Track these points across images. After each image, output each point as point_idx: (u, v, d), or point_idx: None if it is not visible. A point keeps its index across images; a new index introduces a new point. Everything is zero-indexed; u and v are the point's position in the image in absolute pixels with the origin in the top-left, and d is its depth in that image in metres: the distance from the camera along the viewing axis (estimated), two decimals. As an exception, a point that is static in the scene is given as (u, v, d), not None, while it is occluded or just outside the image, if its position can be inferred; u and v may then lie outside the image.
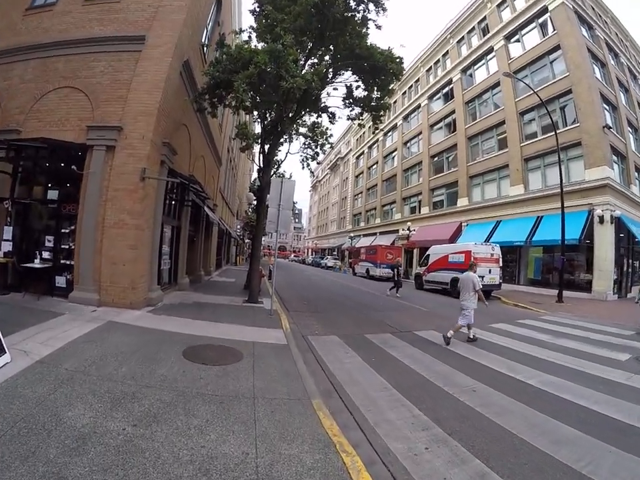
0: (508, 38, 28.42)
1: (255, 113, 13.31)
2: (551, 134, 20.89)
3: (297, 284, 22.16)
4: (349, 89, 13.20)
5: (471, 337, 8.99)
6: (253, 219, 15.87)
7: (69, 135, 9.27)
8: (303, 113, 14.15)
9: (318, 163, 25.72)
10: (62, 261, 9.59)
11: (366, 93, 13.29)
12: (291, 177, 17.61)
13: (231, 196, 34.69)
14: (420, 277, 24.09)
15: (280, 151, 22.83)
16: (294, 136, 22.52)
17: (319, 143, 22.56)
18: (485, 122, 29.94)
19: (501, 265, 19.94)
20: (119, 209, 8.97)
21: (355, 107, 13.95)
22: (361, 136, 60.24)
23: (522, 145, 25.88)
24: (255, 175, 24.93)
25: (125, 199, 8.98)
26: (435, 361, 7.17)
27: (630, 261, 23.76)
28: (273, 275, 10.69)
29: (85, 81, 9.64)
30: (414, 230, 34.07)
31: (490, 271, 19.04)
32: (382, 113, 13.79)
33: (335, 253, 62.03)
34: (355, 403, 4.85)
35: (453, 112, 34.23)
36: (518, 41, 27.77)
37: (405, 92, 44.87)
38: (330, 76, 12.50)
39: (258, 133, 23.45)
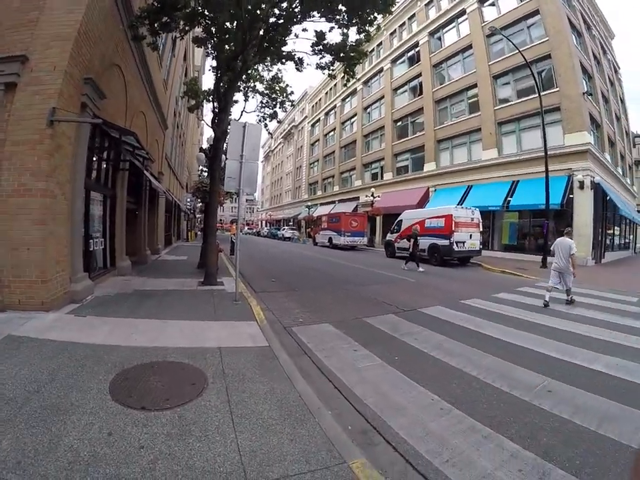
0: (481, 1, 27.12)
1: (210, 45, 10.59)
2: (526, 98, 22.04)
3: (257, 257, 19.67)
4: (319, 34, 10.79)
5: (569, 299, 9.12)
6: (205, 183, 13.27)
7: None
8: (266, 56, 11.63)
9: (278, 122, 23.21)
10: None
11: (341, 38, 10.96)
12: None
13: (180, 167, 31.52)
14: (391, 244, 22.57)
15: (236, 102, 20.39)
16: (250, 93, 20.20)
17: (279, 100, 20.38)
18: (455, 85, 28.90)
19: (481, 229, 19.11)
20: (18, 170, 6.33)
21: (326, 55, 11.62)
22: (316, 103, 57.68)
23: (495, 108, 25.20)
24: (205, 145, 22.22)
25: (26, 155, 6.35)
26: (474, 350, 5.46)
27: (604, 227, 23.92)
28: (236, 249, 8.30)
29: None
30: (378, 196, 32.39)
31: (471, 236, 18.14)
32: (357, 61, 11.57)
33: (291, 223, 59.74)
34: (419, 451, 2.94)
35: (419, 75, 32.80)
36: (493, 4, 26.56)
37: (366, 54, 42.05)
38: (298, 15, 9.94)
39: (209, 89, 20.85)
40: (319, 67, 12.27)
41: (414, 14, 34.57)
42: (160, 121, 17.79)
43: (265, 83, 19.99)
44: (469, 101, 27.73)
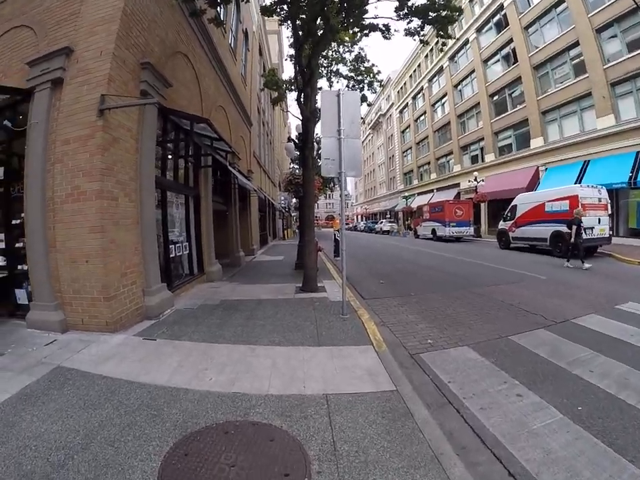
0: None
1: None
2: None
3: (359, 254, 17.91)
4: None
5: None
6: (297, 175, 11.90)
7: (10, 82, 5.91)
8: (345, 23, 9.85)
9: (369, 105, 21.36)
10: (19, 267, 6.16)
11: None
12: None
13: (270, 165, 31.15)
14: (504, 233, 19.55)
15: (320, 88, 19.06)
16: (333, 78, 18.71)
17: (366, 82, 18.59)
18: (553, 46, 24.58)
19: (610, 212, 15.52)
20: (71, 172, 5.39)
21: (414, 18, 9.59)
22: (402, 87, 54.27)
23: (605, 67, 20.80)
24: (294, 134, 21.21)
25: (78, 153, 5.39)
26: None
27: None
28: (342, 249, 6.40)
29: (32, 14, 6.10)
30: (482, 180, 28.83)
31: (599, 221, 14.68)
32: (450, 19, 9.36)
33: (388, 216, 57.30)
34: None
35: (511, 41, 28.53)
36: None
37: (438, 40, 38.23)
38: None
39: (290, 78, 19.70)
40: (408, 33, 10.20)
41: (494, -27, 30.27)
42: (243, 117, 16.92)
43: (349, 64, 18.29)
44: (572, 62, 23.49)
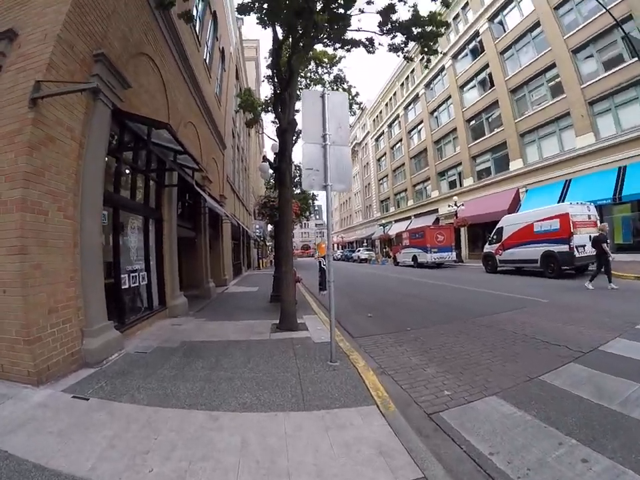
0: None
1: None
2: (617, 68, 18.97)
3: (339, 283, 16.38)
4: (386, 11, 8.15)
5: None
6: (272, 197, 10.78)
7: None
8: (326, 35, 9.11)
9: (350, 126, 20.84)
10: None
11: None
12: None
13: (245, 192, 30.12)
14: (491, 257, 19.08)
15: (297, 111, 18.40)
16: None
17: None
18: (529, 69, 25.25)
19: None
20: (-9, 175, 4.19)
21: (397, 34, 9.04)
22: (377, 116, 55.08)
23: (582, 86, 21.30)
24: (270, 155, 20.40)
25: (3, 153, 4.20)
26: None
27: None
28: (329, 280, 5.24)
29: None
30: (462, 205, 28.59)
31: (590, 238, 13.84)
32: (435, 35, 8.85)
33: (365, 244, 56.73)
34: None
35: (487, 66, 29.31)
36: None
37: (423, 57, 38.82)
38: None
39: (266, 100, 18.93)
40: (392, 48, 9.59)
41: (467, 2, 31.36)
42: (216, 139, 15.93)
43: (328, 85, 17.79)
44: (549, 84, 24.06)
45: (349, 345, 5.91)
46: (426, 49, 9.27)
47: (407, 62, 11.19)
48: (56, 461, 2.72)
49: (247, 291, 14.68)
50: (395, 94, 47.59)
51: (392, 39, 9.28)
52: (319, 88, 17.89)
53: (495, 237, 18.85)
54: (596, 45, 20.49)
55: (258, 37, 60.27)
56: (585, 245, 13.99)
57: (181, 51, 9.66)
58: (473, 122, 31.91)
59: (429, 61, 10.11)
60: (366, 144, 62.20)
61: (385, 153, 52.42)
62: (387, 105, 50.96)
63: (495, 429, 3.22)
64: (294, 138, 8.69)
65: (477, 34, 30.21)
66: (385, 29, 8.71)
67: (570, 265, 14.46)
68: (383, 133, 53.15)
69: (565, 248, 14.19)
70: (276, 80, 7.88)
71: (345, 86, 17.84)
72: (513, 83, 26.62)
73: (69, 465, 2.67)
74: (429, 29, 8.80)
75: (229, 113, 19.88)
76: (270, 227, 41.21)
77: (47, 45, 4.46)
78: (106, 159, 5.81)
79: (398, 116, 46.90)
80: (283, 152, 7.08)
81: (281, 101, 7.38)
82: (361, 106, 19.54)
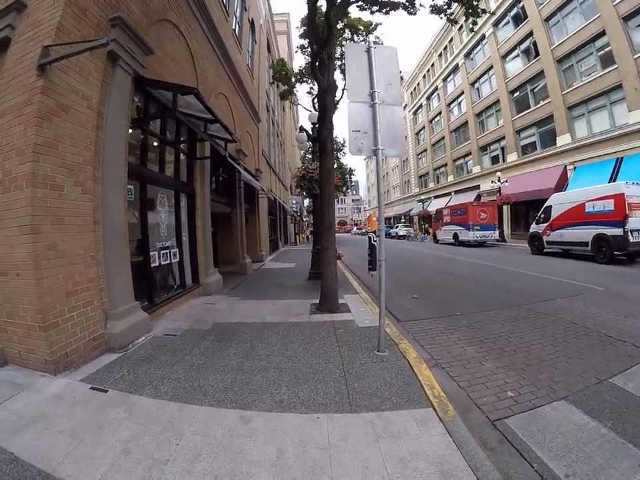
0: None
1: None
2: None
3: None
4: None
5: None
6: (310, 168, 10.03)
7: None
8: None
9: None
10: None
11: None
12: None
13: (281, 167, 29.67)
14: (537, 237, 17.65)
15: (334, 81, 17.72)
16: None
17: None
18: (577, 37, 23.02)
19: None
20: (3, 152, 3.85)
21: None
22: (415, 88, 52.74)
23: (635, 57, 19.22)
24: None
25: (13, 126, 3.84)
26: None
27: None
28: (378, 259, 4.52)
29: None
30: (505, 181, 26.96)
31: None
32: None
33: (403, 220, 55.35)
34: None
35: (531, 34, 27.16)
36: None
37: (462, 26, 36.38)
38: None
39: (300, 70, 18.19)
40: (434, 10, 8.66)
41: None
42: (250, 112, 15.36)
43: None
44: (599, 53, 21.89)
45: (396, 331, 5.34)
46: (470, 10, 8.26)
47: (451, 25, 10.27)
48: (63, 468, 2.40)
49: (284, 267, 14.33)
50: (432, 65, 45.28)
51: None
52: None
53: (542, 216, 17.45)
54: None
55: (288, 10, 58.25)
56: (639, 229, 12.73)
57: (207, 19, 9.05)
58: (517, 93, 29.74)
59: (474, 23, 9.04)
60: (404, 117, 60.08)
61: (424, 127, 50.35)
62: (424, 76, 48.67)
63: (568, 443, 2.67)
64: (336, 101, 8.03)
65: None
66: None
67: (623, 250, 13.09)
68: (421, 105, 50.95)
69: (618, 231, 12.86)
70: (313, 44, 7.15)
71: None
72: (560, 52, 24.49)
73: (77, 474, 2.33)
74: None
75: (262, 86, 19.22)
76: (307, 202, 40.82)
77: (57, 8, 4.01)
78: (130, 130, 5.40)
79: (437, 88, 44.63)
80: (323, 117, 6.43)
81: (319, 61, 6.68)
82: (400, 74, 18.46)
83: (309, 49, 12.97)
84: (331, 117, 6.59)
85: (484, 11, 8.61)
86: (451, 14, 9.11)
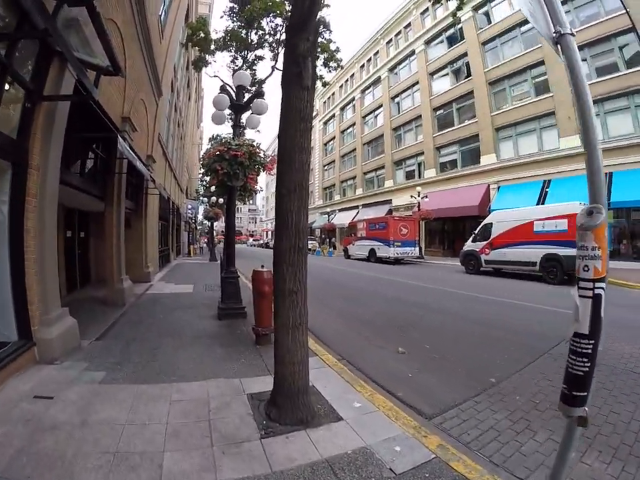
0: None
1: None
2: (611, 76, 18.34)
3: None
4: None
5: None
6: (233, 145, 6.38)
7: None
8: None
9: (324, 85, 17.21)
10: None
11: None
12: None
13: (178, 164, 25.17)
14: (473, 256, 16.83)
15: (262, 58, 14.49)
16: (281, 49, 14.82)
17: (321, 60, 15.05)
18: (514, 64, 23.71)
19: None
20: None
21: None
22: (329, 98, 51.30)
23: (571, 88, 19.59)
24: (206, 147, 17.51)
25: None
26: None
27: None
28: None
29: None
30: (425, 196, 26.02)
31: None
32: None
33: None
34: None
35: (464, 55, 27.62)
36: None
37: (391, 40, 36.37)
38: None
39: (224, 37, 14.66)
40: None
41: (449, -8, 29.17)
42: (151, 76, 11.33)
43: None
44: (534, 80, 22.74)
45: (455, 455, 2.33)
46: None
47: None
48: None
49: (180, 293, 10.18)
50: (352, 75, 44.22)
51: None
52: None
53: (481, 233, 16.56)
54: (591, 49, 19.39)
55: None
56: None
57: None
58: (441, 111, 29.95)
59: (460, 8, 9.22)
60: (313, 127, 58.34)
61: (334, 137, 49.14)
62: (341, 86, 47.46)
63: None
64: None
65: (456, 22, 27.82)
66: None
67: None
68: (333, 116, 49.82)
69: (572, 252, 11.84)
70: None
71: (327, 36, 14.60)
72: (494, 75, 25.02)
73: None
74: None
75: (170, 58, 15.06)
76: (203, 206, 36.14)
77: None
78: None
79: (353, 99, 43.82)
80: (306, 20, 3.08)
81: None
82: (340, 64, 16.07)
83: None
84: (315, 21, 3.23)
85: None
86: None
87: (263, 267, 5.35)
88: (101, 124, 6.01)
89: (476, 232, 17.01)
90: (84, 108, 5.64)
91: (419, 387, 4.10)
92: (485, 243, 16.06)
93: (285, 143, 3.19)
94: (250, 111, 7.36)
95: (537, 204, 19.11)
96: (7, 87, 4.13)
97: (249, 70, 15.01)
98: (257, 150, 6.65)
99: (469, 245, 17.27)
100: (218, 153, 6.24)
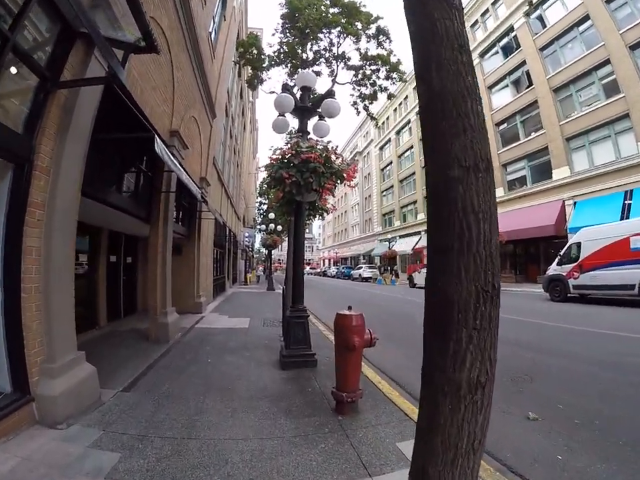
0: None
1: None
2: None
3: (368, 314, 10.14)
4: None
5: None
6: (303, 148, 5.08)
7: None
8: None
9: (389, 97, 16.20)
10: None
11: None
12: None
13: (235, 191, 24.85)
14: (560, 281, 14.83)
15: (319, 74, 13.73)
16: (339, 64, 14.17)
17: (383, 73, 14.14)
18: (577, 66, 22.00)
19: None
20: None
21: None
22: (383, 123, 49.97)
23: None
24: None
25: None
26: None
27: None
28: None
29: None
30: (494, 216, 24.00)
31: None
32: None
33: (363, 260, 51.49)
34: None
35: (523, 64, 26.08)
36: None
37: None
38: None
39: (278, 53, 14.03)
40: None
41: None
42: (203, 94, 10.71)
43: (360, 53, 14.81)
44: (602, 81, 20.91)
45: None
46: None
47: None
48: None
49: (233, 327, 8.98)
50: (406, 97, 43.04)
51: None
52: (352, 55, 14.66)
53: (568, 255, 14.73)
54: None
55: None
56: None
57: None
58: (504, 125, 28.17)
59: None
60: (368, 152, 57.77)
61: (391, 162, 47.87)
62: (395, 109, 46.48)
63: None
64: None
65: (510, 29, 27.04)
66: None
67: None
68: (389, 140, 48.67)
69: None
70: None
71: (388, 46, 13.72)
72: (557, 81, 23.27)
73: None
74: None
75: (223, 78, 14.64)
76: (260, 235, 35.78)
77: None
78: None
79: (409, 121, 42.54)
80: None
81: None
82: (404, 77, 15.03)
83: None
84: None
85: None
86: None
87: (350, 308, 3.98)
88: (139, 125, 5.05)
89: (561, 253, 15.14)
90: (120, 109, 4.73)
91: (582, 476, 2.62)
92: (574, 265, 14.16)
93: (440, 90, 1.72)
94: (317, 117, 6.13)
95: (621, 219, 16.84)
96: (13, 69, 3.23)
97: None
98: (335, 154, 5.40)
99: (554, 269, 15.30)
100: (289, 155, 4.97)
